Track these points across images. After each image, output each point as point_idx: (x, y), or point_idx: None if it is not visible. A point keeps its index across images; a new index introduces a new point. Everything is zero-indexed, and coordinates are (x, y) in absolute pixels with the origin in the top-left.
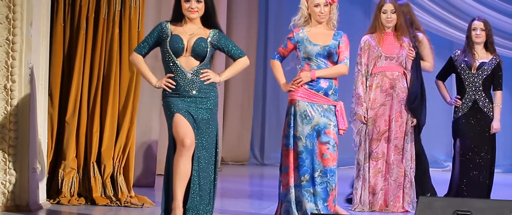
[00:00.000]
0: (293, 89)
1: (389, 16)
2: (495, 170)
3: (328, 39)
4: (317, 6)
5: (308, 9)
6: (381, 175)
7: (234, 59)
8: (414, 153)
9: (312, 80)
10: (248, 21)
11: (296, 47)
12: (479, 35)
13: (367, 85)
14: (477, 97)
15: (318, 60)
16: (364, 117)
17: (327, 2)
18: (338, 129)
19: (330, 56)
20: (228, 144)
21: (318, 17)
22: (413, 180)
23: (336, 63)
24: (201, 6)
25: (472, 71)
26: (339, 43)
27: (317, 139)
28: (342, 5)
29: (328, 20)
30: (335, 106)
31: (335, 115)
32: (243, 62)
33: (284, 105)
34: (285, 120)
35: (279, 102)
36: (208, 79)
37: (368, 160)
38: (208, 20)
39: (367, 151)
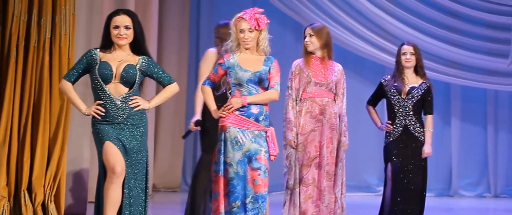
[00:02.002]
0: (223, 115)
1: (307, 40)
2: (427, 194)
3: (259, 65)
4: (242, 31)
5: (237, 34)
6: (311, 200)
7: (164, 86)
8: (344, 179)
9: (243, 107)
10: (179, 47)
11: (227, 73)
12: (409, 60)
13: (297, 111)
14: (407, 122)
15: (249, 86)
16: (294, 142)
17: (252, 28)
18: (269, 155)
19: (261, 82)
20: (160, 170)
21: (243, 43)
22: (344, 205)
23: (266, 89)
24: (130, 32)
25: (402, 96)
26: (269, 69)
27: (248, 165)
28: (273, 30)
29: (257, 46)
30: (266, 132)
31: (266, 141)
32: (172, 88)
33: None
34: (216, 146)
35: None
36: (137, 106)
37: (298, 186)
38: (137, 46)
39: (297, 177)
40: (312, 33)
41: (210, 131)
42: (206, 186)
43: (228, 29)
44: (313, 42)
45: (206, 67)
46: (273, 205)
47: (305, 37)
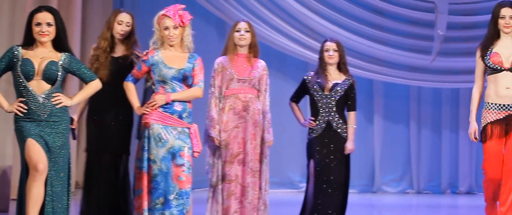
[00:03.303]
0: (147, 112)
1: (242, 33)
2: (350, 190)
3: (183, 63)
4: (166, 29)
5: (160, 32)
6: (234, 197)
7: (86, 83)
8: (268, 175)
9: (166, 103)
10: None
11: (151, 70)
12: (332, 56)
13: (220, 108)
14: (330, 118)
15: (173, 83)
16: (217, 139)
17: (176, 25)
18: (193, 151)
19: (185, 79)
20: (83, 167)
21: (168, 40)
22: (268, 202)
23: (190, 86)
24: (52, 29)
25: (325, 92)
26: (193, 66)
27: (172, 162)
28: (196, 27)
29: (181, 43)
30: (189, 128)
31: (190, 138)
32: (95, 85)
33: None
34: (139, 142)
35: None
36: (59, 103)
37: (221, 182)
38: (60, 43)
39: (220, 174)
40: (248, 29)
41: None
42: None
43: None
44: (247, 38)
45: None
46: (196, 202)
47: (239, 31)
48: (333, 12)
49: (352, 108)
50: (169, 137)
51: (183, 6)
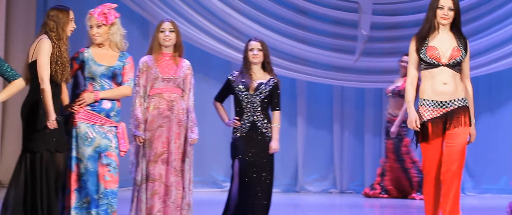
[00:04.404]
0: (75, 111)
1: (167, 34)
2: (273, 190)
3: (113, 60)
4: (91, 27)
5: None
6: (158, 196)
7: (9, 81)
8: (192, 175)
9: (95, 101)
10: (26, 44)
11: (81, 67)
12: (256, 56)
13: (145, 107)
14: (255, 117)
15: (102, 81)
16: (142, 138)
17: (99, 23)
18: (119, 151)
19: (115, 77)
20: (6, 166)
21: (92, 38)
22: (191, 201)
23: (120, 84)
24: None
25: (250, 92)
26: (124, 65)
27: (98, 161)
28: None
29: (110, 41)
30: (116, 127)
31: (117, 136)
32: (18, 84)
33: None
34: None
35: None
36: None
37: (145, 182)
38: None
39: (144, 173)
40: (172, 29)
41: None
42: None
43: None
44: (171, 38)
45: None
46: (122, 201)
47: (163, 31)
48: (257, 11)
49: (277, 107)
50: (96, 135)
51: (113, 5)
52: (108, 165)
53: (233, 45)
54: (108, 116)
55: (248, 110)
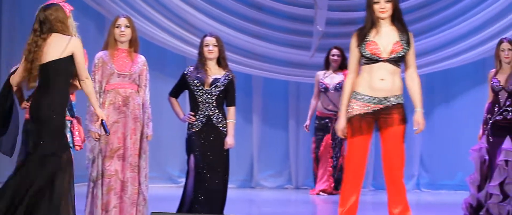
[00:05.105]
0: (27, 107)
1: (123, 30)
2: (229, 185)
3: None
4: None
5: None
6: (114, 192)
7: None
8: (148, 170)
9: None
10: None
11: None
12: (211, 51)
13: (101, 103)
14: (210, 113)
15: None
16: (98, 134)
17: None
18: (74, 145)
19: None
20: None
21: None
22: (147, 197)
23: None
24: None
25: (205, 87)
26: None
27: None
28: (75, 21)
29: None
30: (71, 122)
31: (71, 131)
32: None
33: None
34: (22, 137)
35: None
36: None
37: (101, 177)
38: None
39: (100, 168)
40: (128, 24)
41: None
42: None
43: None
44: (127, 34)
45: None
46: (78, 196)
47: (119, 27)
48: (213, 7)
49: (232, 103)
50: None
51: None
52: None
53: (188, 41)
54: None
55: (203, 105)
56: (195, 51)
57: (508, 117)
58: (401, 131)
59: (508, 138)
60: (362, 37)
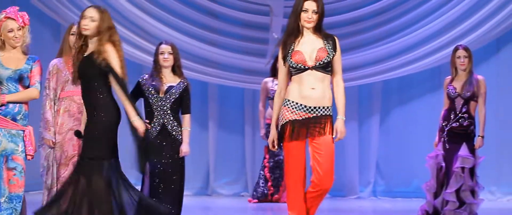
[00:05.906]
0: None
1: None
2: (185, 193)
3: (21, 64)
4: (10, 31)
5: (1, 35)
6: None
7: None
8: None
9: (1, 105)
10: None
11: None
12: (166, 59)
13: (55, 110)
14: (165, 121)
15: (9, 84)
16: (52, 142)
17: (20, 26)
18: (26, 154)
19: (22, 80)
20: None
21: (14, 41)
22: None
23: (27, 87)
24: None
25: (160, 95)
26: (31, 68)
27: (4, 165)
28: (31, 28)
29: (22, 44)
30: (23, 131)
31: (23, 140)
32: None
33: None
34: None
35: None
36: None
37: (56, 185)
38: None
39: (55, 176)
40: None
41: None
42: None
43: None
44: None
45: None
46: (31, 205)
47: (73, 34)
48: (168, 14)
49: (187, 111)
50: (2, 139)
51: (18, 7)
52: (13, 169)
53: (144, 48)
54: (14, 119)
55: (158, 113)
56: (150, 59)
57: (464, 124)
58: (329, 140)
59: (464, 145)
60: (286, 48)
